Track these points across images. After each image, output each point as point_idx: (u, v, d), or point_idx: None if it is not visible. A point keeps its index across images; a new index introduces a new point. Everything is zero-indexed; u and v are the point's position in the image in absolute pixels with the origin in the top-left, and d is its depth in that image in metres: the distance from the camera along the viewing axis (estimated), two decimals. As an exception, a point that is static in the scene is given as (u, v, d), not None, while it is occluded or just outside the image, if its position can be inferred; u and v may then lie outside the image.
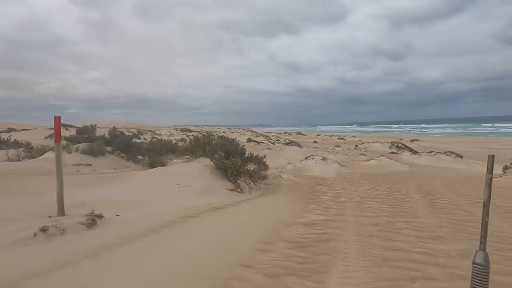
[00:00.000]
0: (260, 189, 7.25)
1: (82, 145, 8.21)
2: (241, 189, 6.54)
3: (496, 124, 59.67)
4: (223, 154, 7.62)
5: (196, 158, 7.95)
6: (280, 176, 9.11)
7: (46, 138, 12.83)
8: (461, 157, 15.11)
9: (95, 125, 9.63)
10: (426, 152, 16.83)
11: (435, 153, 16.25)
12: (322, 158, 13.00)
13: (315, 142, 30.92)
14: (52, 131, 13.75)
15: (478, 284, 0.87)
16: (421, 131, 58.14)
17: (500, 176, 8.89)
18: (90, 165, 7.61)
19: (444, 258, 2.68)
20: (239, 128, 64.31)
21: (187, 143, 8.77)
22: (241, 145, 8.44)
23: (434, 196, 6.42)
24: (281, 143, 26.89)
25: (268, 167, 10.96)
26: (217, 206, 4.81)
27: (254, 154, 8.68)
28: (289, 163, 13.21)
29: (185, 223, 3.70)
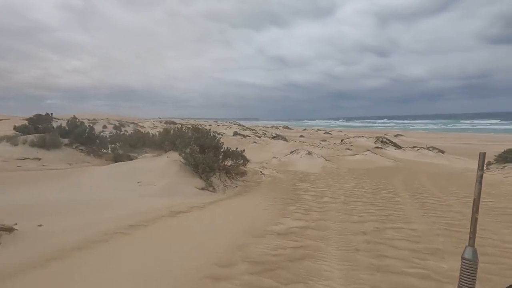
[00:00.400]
0: (236, 187, 6.53)
1: (31, 137, 7.09)
2: (213, 188, 5.78)
3: (474, 121, 62.10)
4: (197, 148, 6.81)
5: (166, 152, 7.09)
6: (261, 172, 8.44)
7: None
8: (443, 152, 15.19)
9: (51, 113, 8.47)
10: (410, 147, 16.82)
11: (418, 148, 16.27)
12: (307, 152, 12.52)
13: (301, 136, 30.60)
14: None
15: (466, 279, 0.87)
16: (404, 126, 59.48)
17: (484, 172, 8.74)
18: (40, 159, 6.55)
19: (450, 285, 2.08)
20: (226, 121, 63.17)
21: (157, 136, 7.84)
22: (217, 138, 7.64)
23: (422, 194, 5.99)
24: (267, 137, 26.31)
25: (249, 161, 10.25)
26: (179, 210, 4.03)
27: (233, 148, 7.93)
28: (274, 157, 12.65)
29: (127, 236, 2.91)
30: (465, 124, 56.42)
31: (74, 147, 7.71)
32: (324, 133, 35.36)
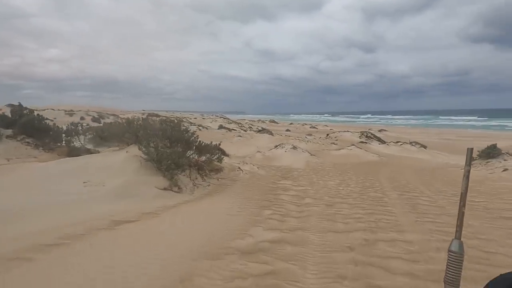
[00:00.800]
0: (209, 185, 5.76)
1: (-38, 127, 5.88)
2: (179, 188, 4.97)
3: (451, 117, 64.36)
4: (167, 141, 5.94)
5: (128, 146, 6.16)
6: (239, 168, 7.70)
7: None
8: (425, 147, 15.19)
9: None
10: (393, 142, 16.72)
11: (401, 143, 16.19)
12: (292, 146, 11.94)
13: (287, 130, 30.12)
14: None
15: (452, 270, 0.94)
16: (387, 121, 60.62)
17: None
18: (-31, 154, 5.42)
19: None
20: (212, 115, 61.69)
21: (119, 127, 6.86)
22: (190, 131, 6.78)
23: (410, 193, 5.52)
24: (253, 130, 25.56)
25: (228, 156, 9.48)
26: (123, 218, 3.22)
27: (214, 142, 7.12)
28: (258, 151, 11.98)
29: (30, 262, 2.08)
30: (444, 120, 58.34)
31: (19, 139, 6.57)
32: (310, 127, 35.11)
